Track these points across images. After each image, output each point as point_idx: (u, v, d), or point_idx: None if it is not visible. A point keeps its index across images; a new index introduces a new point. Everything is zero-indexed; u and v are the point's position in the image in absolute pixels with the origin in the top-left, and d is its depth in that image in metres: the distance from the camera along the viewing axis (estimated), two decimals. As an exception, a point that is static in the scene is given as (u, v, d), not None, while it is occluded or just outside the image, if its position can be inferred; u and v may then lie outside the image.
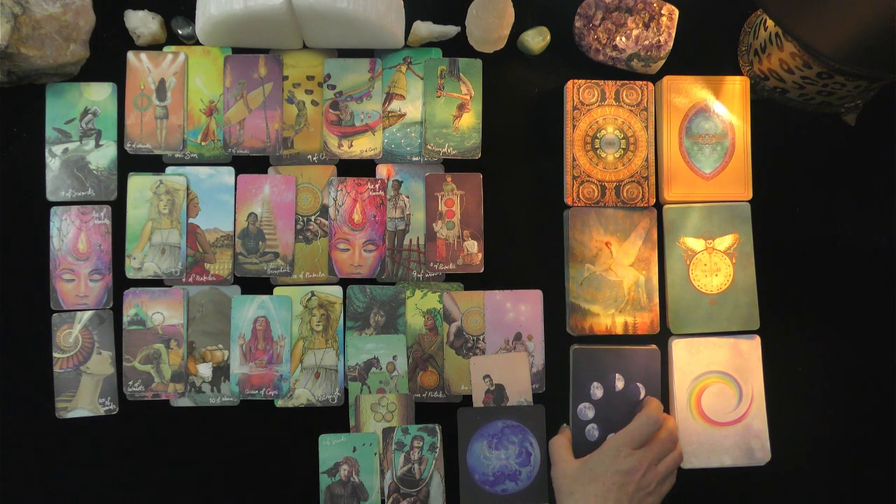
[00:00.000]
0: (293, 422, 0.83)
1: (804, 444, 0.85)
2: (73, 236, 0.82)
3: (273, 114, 0.84)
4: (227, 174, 0.84)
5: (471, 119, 0.84)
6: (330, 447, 0.81)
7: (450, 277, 0.84)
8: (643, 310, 0.83)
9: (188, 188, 0.83)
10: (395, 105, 0.85)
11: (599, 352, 0.83)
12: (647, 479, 0.74)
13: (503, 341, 0.83)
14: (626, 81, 0.84)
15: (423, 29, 0.83)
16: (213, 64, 0.84)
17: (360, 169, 0.85)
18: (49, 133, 0.83)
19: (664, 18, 0.83)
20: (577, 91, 0.84)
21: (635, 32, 0.83)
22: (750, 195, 0.84)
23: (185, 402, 0.82)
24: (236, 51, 0.85)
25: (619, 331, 0.83)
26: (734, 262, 0.83)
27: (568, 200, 0.84)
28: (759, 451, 0.82)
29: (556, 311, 0.84)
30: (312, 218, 0.84)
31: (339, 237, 0.84)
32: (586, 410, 0.82)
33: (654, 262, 0.84)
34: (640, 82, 0.84)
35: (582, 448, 0.81)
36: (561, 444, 0.79)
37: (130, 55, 0.84)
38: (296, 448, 0.83)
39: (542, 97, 0.86)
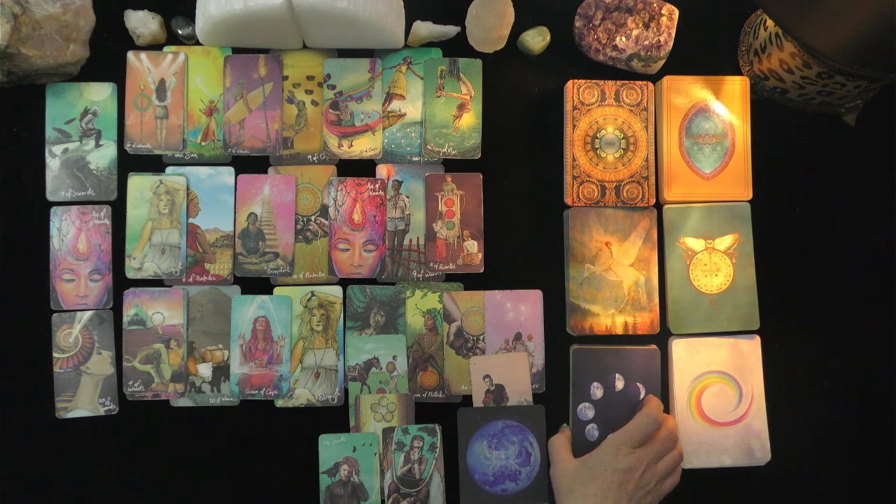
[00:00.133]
0: (293, 422, 0.83)
1: (804, 444, 0.85)
2: (73, 236, 0.82)
3: (273, 114, 0.84)
4: (227, 174, 0.84)
5: (471, 119, 0.84)
6: (330, 447, 0.81)
7: (450, 277, 0.84)
8: (643, 310, 0.83)
9: (188, 188, 0.83)
10: (395, 105, 0.85)
11: (599, 352, 0.83)
12: (646, 477, 0.74)
13: (503, 341, 0.83)
14: (626, 81, 0.84)
15: (423, 29, 0.83)
16: (213, 64, 0.84)
17: (360, 169, 0.85)
18: (49, 133, 0.83)
19: (664, 18, 0.83)
20: (577, 91, 0.84)
21: (635, 32, 0.83)
22: (750, 195, 0.84)
23: (185, 402, 0.82)
24: (236, 51, 0.85)
25: (619, 331, 0.83)
26: (734, 262, 0.83)
27: (568, 200, 0.84)
28: (759, 451, 0.82)
29: (556, 311, 0.84)
30: (312, 218, 0.84)
31: (339, 237, 0.84)
32: (586, 410, 0.82)
33: (654, 262, 0.84)
34: (640, 82, 0.84)
35: (582, 448, 0.81)
36: (560, 443, 0.79)
37: (130, 55, 0.84)
38: (296, 448, 0.83)
39: (542, 97, 0.86)
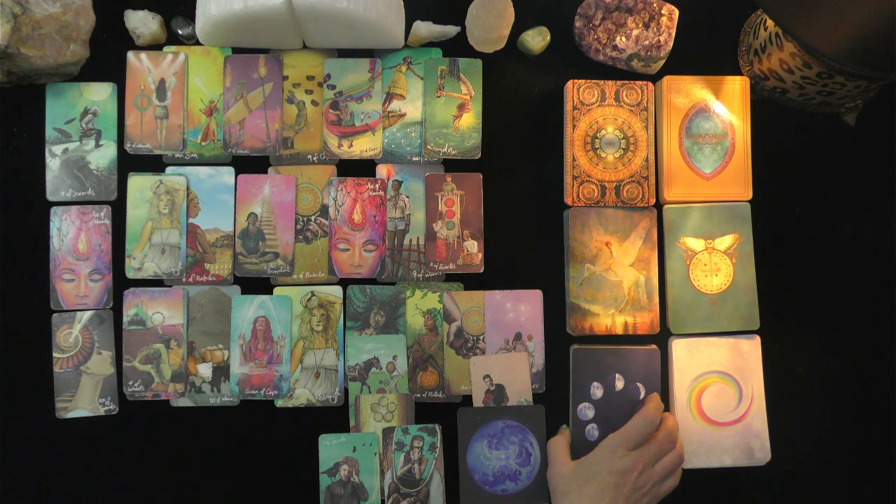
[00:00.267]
0: (293, 422, 0.83)
1: (804, 444, 0.85)
2: (73, 236, 0.82)
3: (273, 114, 0.84)
4: (227, 174, 0.84)
5: (471, 119, 0.84)
6: (330, 447, 0.81)
7: (450, 277, 0.84)
8: (643, 310, 0.83)
9: (188, 188, 0.83)
10: (395, 105, 0.85)
11: (599, 352, 0.83)
12: (642, 479, 0.74)
13: (503, 341, 0.83)
14: (626, 81, 0.84)
15: (423, 29, 0.83)
16: (213, 64, 0.84)
17: (360, 169, 0.85)
18: (49, 133, 0.83)
19: (664, 18, 0.83)
20: (577, 91, 0.84)
21: (635, 32, 0.83)
22: (750, 195, 0.84)
23: (185, 402, 0.82)
24: (236, 51, 0.85)
25: (619, 331, 0.83)
26: (734, 262, 0.83)
27: (568, 200, 0.84)
28: (759, 451, 0.82)
29: (556, 311, 0.84)
30: (312, 218, 0.84)
31: (339, 237, 0.84)
32: (586, 410, 0.82)
33: (654, 262, 0.84)
34: (640, 82, 0.84)
35: (582, 448, 0.81)
36: (558, 444, 0.79)
37: (130, 55, 0.84)
38: (296, 448, 0.83)
39: (542, 97, 0.86)
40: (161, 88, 0.84)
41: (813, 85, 0.81)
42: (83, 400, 0.82)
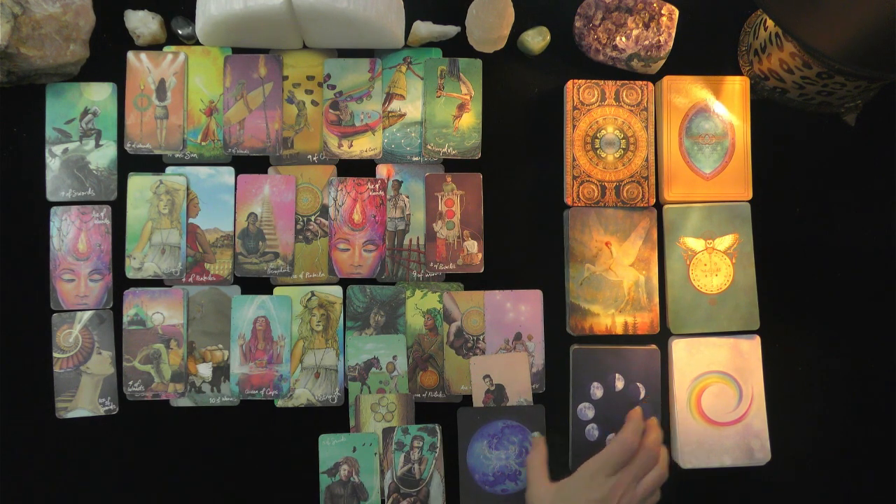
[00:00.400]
0: (293, 422, 0.83)
1: (804, 444, 0.85)
2: (73, 236, 0.82)
3: (273, 114, 0.84)
4: (227, 174, 0.84)
5: (471, 119, 0.84)
6: (330, 447, 0.81)
7: (450, 277, 0.84)
8: (643, 310, 0.83)
9: (188, 188, 0.83)
10: (395, 105, 0.85)
11: (599, 352, 0.83)
12: (624, 501, 0.71)
13: (503, 341, 0.83)
14: (626, 81, 0.84)
15: (423, 29, 0.83)
16: (213, 64, 0.84)
17: (360, 169, 0.85)
18: (49, 133, 0.83)
19: (664, 18, 0.83)
20: (577, 91, 0.84)
21: (635, 32, 0.83)
22: (750, 195, 0.84)
23: (185, 402, 0.82)
24: (236, 51, 0.85)
25: (619, 331, 0.83)
26: (734, 262, 0.83)
27: (568, 200, 0.84)
28: (759, 451, 0.82)
29: (556, 311, 0.84)
30: (312, 218, 0.84)
31: (339, 237, 0.84)
32: (586, 410, 0.82)
33: (654, 262, 0.84)
34: (640, 82, 0.84)
35: (582, 448, 0.82)
36: (536, 464, 0.76)
37: (130, 55, 0.84)
38: (296, 448, 0.83)
39: (542, 97, 0.86)
40: (161, 88, 0.84)
41: (813, 85, 0.81)
42: (83, 400, 0.82)
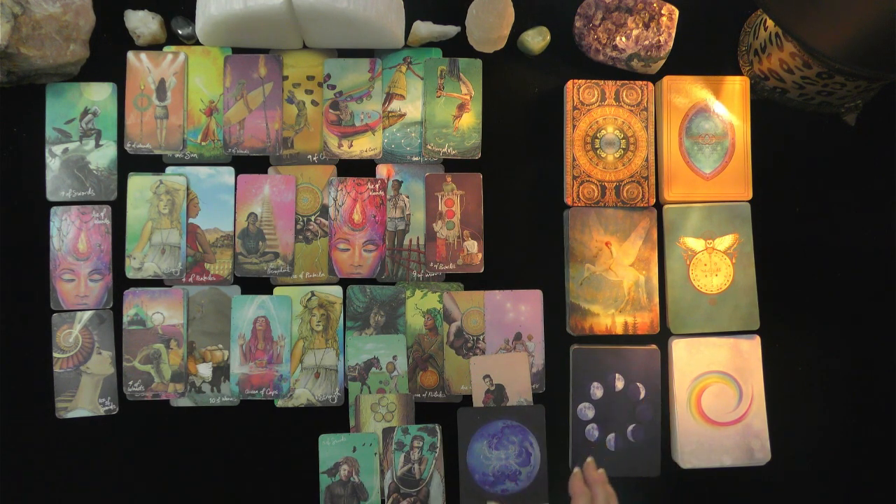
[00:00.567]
0: (293, 422, 0.83)
1: (804, 444, 0.85)
2: (73, 236, 0.82)
3: (273, 114, 0.84)
4: (227, 174, 0.84)
5: (471, 119, 0.84)
6: (330, 447, 0.81)
7: (450, 277, 0.84)
8: (643, 310, 0.83)
9: (188, 188, 0.83)
10: (395, 105, 0.85)
11: (599, 352, 0.83)
12: None
13: (503, 341, 0.83)
14: (626, 81, 0.84)
15: (423, 29, 0.83)
16: (213, 64, 0.84)
17: (360, 169, 0.85)
18: (49, 133, 0.83)
19: (664, 18, 0.83)
20: (577, 91, 0.84)
21: (635, 32, 0.83)
22: (750, 195, 0.84)
23: (185, 402, 0.82)
24: (236, 51, 0.85)
25: (619, 331, 0.83)
26: (734, 262, 0.83)
27: (568, 200, 0.84)
28: (759, 451, 0.82)
29: (556, 311, 0.84)
30: (312, 218, 0.84)
31: (339, 237, 0.84)
32: (586, 410, 0.82)
33: (654, 262, 0.84)
34: (640, 82, 0.84)
35: (582, 448, 0.82)
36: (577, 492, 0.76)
37: (130, 55, 0.84)
38: (296, 448, 0.83)
39: (542, 97, 0.86)
40: (161, 88, 0.84)
41: (813, 85, 0.81)
42: (83, 400, 0.82)
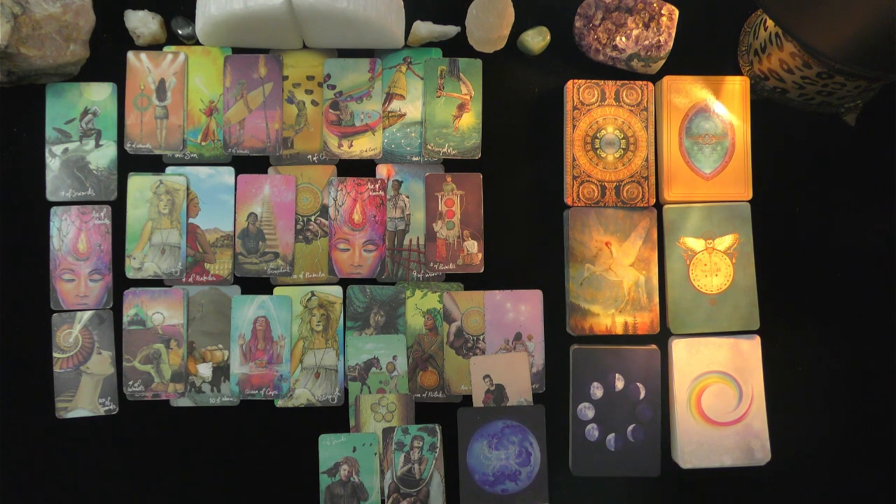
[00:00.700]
0: (293, 422, 0.83)
1: (804, 444, 0.85)
2: (73, 236, 0.82)
3: (273, 114, 0.84)
4: (227, 174, 0.84)
5: (471, 119, 0.84)
6: (330, 447, 0.81)
7: (450, 277, 0.84)
8: (643, 310, 0.83)
9: (188, 188, 0.83)
10: (395, 105, 0.85)
11: (599, 352, 0.83)
12: None
13: (503, 341, 0.83)
14: (626, 81, 0.84)
15: (423, 29, 0.83)
16: (213, 64, 0.84)
17: (360, 169, 0.85)
18: (49, 133, 0.83)
19: (664, 18, 0.83)
20: (577, 91, 0.84)
21: (635, 32, 0.83)
22: (750, 195, 0.84)
23: (185, 402, 0.82)
24: (236, 51, 0.85)
25: (619, 331, 0.83)
26: (734, 262, 0.83)
27: (568, 200, 0.84)
28: (759, 451, 0.82)
29: (556, 311, 0.84)
30: (312, 218, 0.84)
31: (339, 237, 0.84)
32: (586, 410, 0.82)
33: (654, 262, 0.84)
34: (640, 82, 0.84)
35: (582, 448, 0.82)
36: None
37: (130, 55, 0.84)
38: (296, 448, 0.83)
39: (542, 97, 0.86)
40: (161, 88, 0.84)
41: (813, 85, 0.81)
42: (83, 400, 0.82)
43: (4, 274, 0.83)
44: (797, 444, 0.84)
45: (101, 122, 0.83)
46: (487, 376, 0.82)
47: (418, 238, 0.84)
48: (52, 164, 0.83)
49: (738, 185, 0.84)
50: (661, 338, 0.84)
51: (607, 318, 0.83)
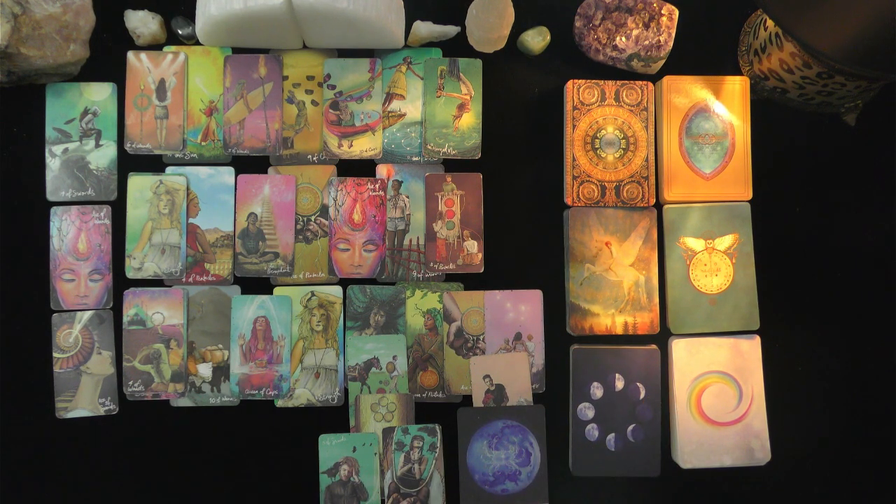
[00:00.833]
0: (293, 422, 0.83)
1: (804, 444, 0.85)
2: (73, 236, 0.82)
3: (273, 114, 0.84)
4: (227, 174, 0.84)
5: (471, 119, 0.84)
6: (330, 447, 0.81)
7: (450, 277, 0.84)
8: (643, 310, 0.83)
9: (188, 188, 0.83)
10: (395, 105, 0.85)
11: (599, 352, 0.83)
12: None
13: (503, 341, 0.83)
14: (626, 81, 0.84)
15: (423, 29, 0.83)
16: (213, 64, 0.84)
17: (360, 169, 0.85)
18: (49, 133, 0.83)
19: (664, 18, 0.83)
20: (577, 91, 0.84)
21: (635, 32, 0.83)
22: (750, 195, 0.84)
23: (185, 402, 0.82)
24: (236, 51, 0.85)
25: (619, 331, 0.83)
26: (734, 262, 0.83)
27: (568, 200, 0.84)
28: (759, 451, 0.82)
29: (556, 311, 0.84)
30: (312, 218, 0.84)
31: (339, 237, 0.84)
32: (586, 410, 0.82)
33: (654, 262, 0.84)
34: (640, 82, 0.84)
35: (582, 448, 0.82)
36: None
37: (130, 55, 0.84)
38: (296, 448, 0.83)
39: (542, 97, 0.86)
40: (161, 88, 0.84)
41: (813, 85, 0.81)
42: (83, 400, 0.82)
43: (4, 274, 0.83)
44: (797, 444, 0.84)
45: (101, 122, 0.83)
46: (487, 376, 0.82)
47: (418, 238, 0.84)
48: (52, 164, 0.83)
49: (738, 185, 0.84)
50: (661, 338, 0.84)
51: (607, 318, 0.83)
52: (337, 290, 0.83)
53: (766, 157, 0.86)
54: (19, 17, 0.76)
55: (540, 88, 0.87)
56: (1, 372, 0.82)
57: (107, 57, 0.84)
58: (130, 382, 0.82)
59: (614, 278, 0.83)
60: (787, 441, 0.83)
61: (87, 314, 0.82)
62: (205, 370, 0.82)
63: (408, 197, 0.84)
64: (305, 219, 0.84)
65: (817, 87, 0.81)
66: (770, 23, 0.80)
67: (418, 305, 0.83)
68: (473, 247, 0.84)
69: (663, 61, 0.85)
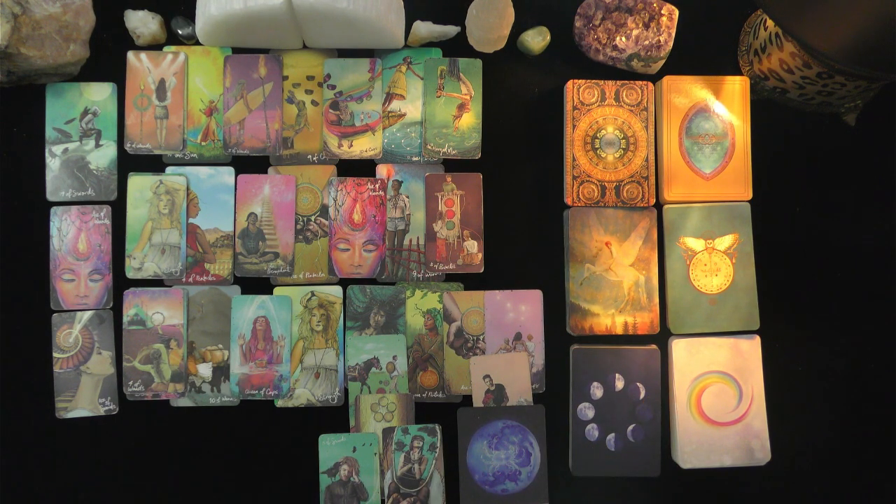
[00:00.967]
0: (293, 422, 0.83)
1: (804, 444, 0.85)
2: (73, 236, 0.82)
3: (273, 114, 0.84)
4: (227, 174, 0.84)
5: (471, 119, 0.84)
6: (330, 447, 0.81)
7: (450, 277, 0.84)
8: (643, 310, 0.83)
9: (188, 188, 0.83)
10: (395, 105, 0.85)
11: (599, 352, 0.83)
12: None
13: (503, 341, 0.83)
14: (626, 81, 0.84)
15: (423, 29, 0.83)
16: (213, 64, 0.84)
17: (360, 169, 0.85)
18: (49, 133, 0.83)
19: (664, 18, 0.83)
20: (577, 91, 0.84)
21: (635, 32, 0.83)
22: (750, 195, 0.84)
23: (185, 402, 0.82)
24: (236, 51, 0.85)
25: (619, 331, 0.83)
26: (734, 262, 0.83)
27: (568, 200, 0.84)
28: (759, 451, 0.82)
29: (556, 311, 0.84)
30: (312, 218, 0.84)
31: (339, 237, 0.84)
32: (586, 410, 0.82)
33: (654, 262, 0.84)
34: (640, 82, 0.84)
35: (582, 448, 0.82)
36: None
37: (130, 55, 0.84)
38: (296, 448, 0.83)
39: (542, 97, 0.86)
40: (161, 88, 0.84)
41: (813, 85, 0.81)
42: (83, 400, 0.82)
43: (4, 274, 0.83)
44: (797, 444, 0.84)
45: (101, 122, 0.83)
46: (487, 376, 0.82)
47: (418, 238, 0.84)
48: (52, 164, 0.83)
49: (738, 185, 0.84)
50: (661, 338, 0.84)
51: (607, 318, 0.83)
52: (337, 290, 0.83)
53: (766, 157, 0.86)
54: (19, 17, 0.76)
55: (540, 88, 0.87)
56: (1, 372, 0.82)
57: (107, 57, 0.84)
58: (130, 382, 0.82)
59: (614, 278, 0.83)
60: (787, 441, 0.83)
61: (87, 314, 0.82)
62: (205, 370, 0.82)
63: (408, 197, 0.84)
64: (305, 219, 0.84)
65: (817, 87, 0.81)
66: (770, 23, 0.80)
67: (418, 305, 0.83)
68: (473, 247, 0.84)
69: (663, 61, 0.85)
